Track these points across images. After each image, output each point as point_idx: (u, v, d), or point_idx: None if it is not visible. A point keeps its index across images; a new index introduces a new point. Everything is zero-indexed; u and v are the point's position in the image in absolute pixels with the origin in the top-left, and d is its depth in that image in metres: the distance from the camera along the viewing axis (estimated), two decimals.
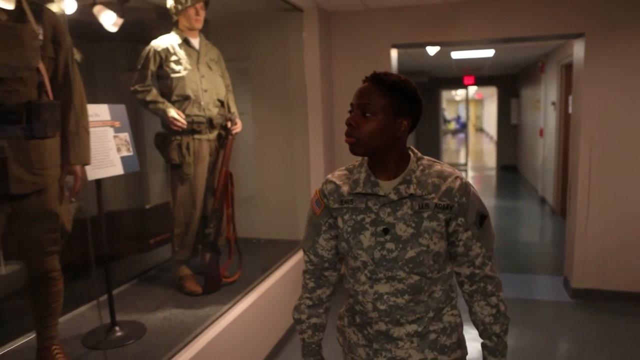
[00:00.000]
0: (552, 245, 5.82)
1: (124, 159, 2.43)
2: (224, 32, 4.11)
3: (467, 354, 1.43)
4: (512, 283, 4.44)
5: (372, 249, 1.29)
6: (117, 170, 2.38)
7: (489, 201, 8.66)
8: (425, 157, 1.35)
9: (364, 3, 3.98)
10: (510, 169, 11.67)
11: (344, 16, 4.24)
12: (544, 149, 7.83)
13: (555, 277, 4.60)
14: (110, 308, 2.56)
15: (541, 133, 8.00)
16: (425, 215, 1.27)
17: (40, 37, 1.82)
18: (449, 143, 21.23)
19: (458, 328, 1.40)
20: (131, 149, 2.50)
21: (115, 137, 2.41)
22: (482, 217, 1.32)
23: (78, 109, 1.99)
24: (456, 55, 7.26)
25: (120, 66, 3.92)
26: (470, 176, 11.90)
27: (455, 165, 13.59)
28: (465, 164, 13.10)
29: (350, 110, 1.29)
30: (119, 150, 2.40)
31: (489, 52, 7.00)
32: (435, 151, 12.35)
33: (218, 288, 3.09)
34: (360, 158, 1.36)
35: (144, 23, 3.85)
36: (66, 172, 2.01)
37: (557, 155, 6.76)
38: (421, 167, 1.31)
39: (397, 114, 1.25)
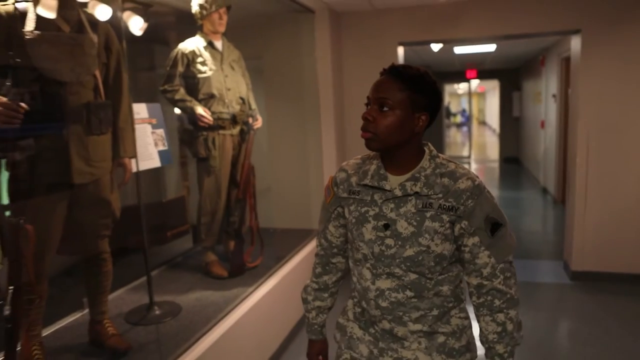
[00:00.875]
0: (553, 232, 6.07)
1: (160, 153, 2.69)
2: (239, 33, 4.33)
3: (476, 357, 1.37)
4: (517, 267, 4.69)
5: (372, 243, 1.27)
6: (156, 163, 2.64)
7: (493, 192, 8.88)
8: (441, 155, 1.31)
9: (372, 4, 4.20)
10: (513, 161, 11.88)
11: (353, 16, 4.48)
12: (545, 141, 8.06)
13: (556, 261, 4.85)
14: (149, 289, 2.81)
15: (542, 125, 8.22)
16: (428, 215, 1.23)
17: (96, 45, 2.07)
18: (455, 136, 21.43)
19: (467, 330, 1.35)
20: (166, 144, 2.76)
21: (152, 132, 2.66)
22: (495, 225, 1.25)
23: (125, 108, 2.24)
24: (459, 50, 7.48)
25: (140, 66, 4.16)
26: (473, 168, 12.11)
27: (459, 158, 13.82)
28: (469, 157, 13.32)
29: (367, 103, 1.25)
30: (156, 144, 2.65)
31: (491, 47, 7.21)
32: (438, 144, 12.59)
33: (242, 272, 3.34)
34: None
35: (163, 25, 4.10)
36: (116, 165, 2.26)
37: (557, 146, 6.99)
38: (433, 166, 1.26)
39: (415, 109, 1.22)
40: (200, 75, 3.13)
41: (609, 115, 4.00)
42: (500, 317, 1.27)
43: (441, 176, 1.25)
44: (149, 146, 2.60)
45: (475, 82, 17.17)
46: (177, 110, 3.34)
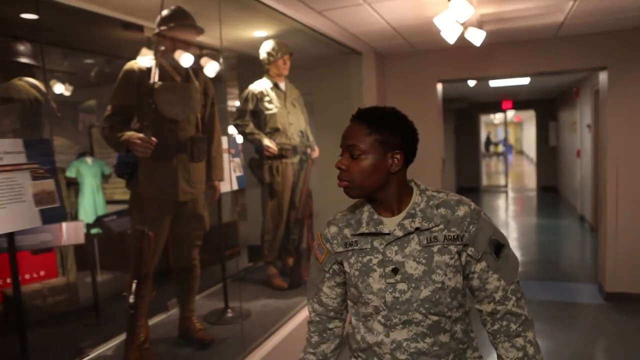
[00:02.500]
0: (590, 257, 6.26)
1: (238, 178, 3.18)
2: (294, 72, 4.89)
3: None
4: (554, 289, 4.96)
5: (382, 292, 1.20)
6: (234, 186, 3.13)
7: (531, 220, 9.11)
8: (429, 188, 1.29)
9: (413, 46, 4.69)
10: (551, 190, 12.00)
11: (396, 57, 4.97)
12: (581, 169, 8.26)
13: (592, 284, 5.07)
14: (225, 295, 3.28)
15: (578, 154, 8.44)
16: (435, 249, 1.20)
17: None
18: (495, 166, 21.46)
19: None
20: (242, 170, 3.26)
21: (231, 161, 3.16)
22: (499, 246, 1.23)
23: (217, 141, 2.75)
24: (494, 83, 7.87)
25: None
26: (510, 197, 12.28)
27: (495, 187, 13.98)
28: (505, 186, 13.48)
29: (341, 153, 1.25)
30: (234, 171, 3.15)
31: (525, 80, 7.57)
32: (474, 174, 12.84)
33: (300, 284, 3.77)
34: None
35: (231, 67, 4.69)
36: (209, 187, 2.76)
37: (593, 175, 7.21)
38: (425, 199, 1.24)
39: (387, 149, 1.20)
40: (267, 112, 3.65)
41: (636, 145, 4.31)
42: (520, 341, 1.23)
43: (437, 207, 1.23)
44: (229, 172, 3.10)
45: (511, 113, 17.37)
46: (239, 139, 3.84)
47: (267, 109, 3.66)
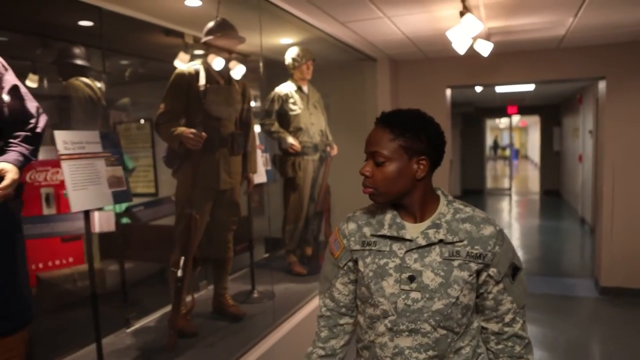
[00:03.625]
0: (588, 256, 6.58)
1: (267, 172, 3.53)
2: (313, 75, 5.23)
3: None
4: (553, 284, 5.30)
5: (395, 297, 1.19)
6: (264, 179, 3.48)
7: (533, 222, 9.42)
8: (456, 200, 1.27)
9: (425, 53, 5.02)
10: (554, 194, 12.28)
11: (408, 64, 5.31)
12: (582, 173, 8.57)
13: (588, 279, 5.40)
14: (252, 279, 3.63)
15: (580, 159, 8.74)
16: (456, 264, 1.18)
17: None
18: (502, 169, 21.73)
19: None
20: (270, 165, 3.60)
21: (262, 156, 3.51)
22: (516, 269, 1.23)
23: (252, 137, 3.10)
24: (500, 89, 8.19)
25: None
26: (514, 200, 12.58)
27: (500, 190, 14.28)
28: (509, 189, 13.78)
29: (365, 158, 1.23)
30: (264, 165, 3.50)
31: (530, 87, 7.88)
32: (479, 177, 13.13)
33: (318, 271, 4.11)
34: None
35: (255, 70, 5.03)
36: (244, 178, 3.11)
37: (593, 179, 7.51)
38: (452, 211, 1.22)
39: (412, 155, 1.18)
40: (291, 113, 3.99)
41: (631, 150, 4.63)
42: None
43: (462, 222, 1.21)
44: (260, 167, 3.44)
45: (516, 117, 17.64)
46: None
47: (292, 110, 3.99)
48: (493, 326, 1.25)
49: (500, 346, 1.26)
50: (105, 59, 4.79)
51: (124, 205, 5.36)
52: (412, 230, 1.21)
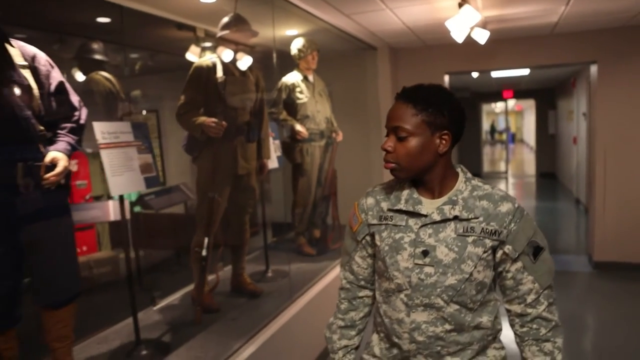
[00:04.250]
0: (582, 234, 6.84)
1: (278, 158, 3.74)
2: (317, 65, 5.42)
3: None
4: None
5: (409, 272, 1.21)
6: (276, 164, 3.69)
7: (530, 203, 9.67)
8: (476, 177, 1.27)
9: (423, 41, 5.20)
10: (549, 176, 12.53)
11: (408, 51, 5.49)
12: (577, 155, 8.80)
13: (582, 255, 5.65)
14: (266, 259, 3.85)
15: (575, 141, 8.97)
16: (470, 240, 1.18)
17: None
18: (500, 153, 21.96)
19: None
20: (279, 152, 3.80)
21: (273, 143, 3.71)
22: (537, 249, 1.22)
23: (266, 125, 3.30)
24: (495, 74, 8.37)
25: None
26: (510, 183, 12.83)
27: (496, 173, 14.53)
28: (506, 172, 14.01)
29: (386, 134, 1.23)
30: (275, 151, 3.70)
31: (525, 71, 8.07)
32: (475, 160, 13.36)
33: (326, 252, 4.33)
34: None
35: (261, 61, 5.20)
36: (259, 164, 3.31)
37: (587, 160, 7.74)
38: (470, 188, 1.23)
39: (434, 130, 1.18)
40: (298, 101, 4.18)
41: (621, 131, 4.85)
42: (548, 346, 1.23)
43: (479, 199, 1.21)
44: (272, 153, 3.65)
45: (512, 102, 17.83)
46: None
47: (299, 99, 4.19)
48: (516, 307, 1.25)
49: (524, 329, 1.25)
50: (118, 52, 4.97)
51: (133, 195, 5.58)
52: (428, 205, 1.23)
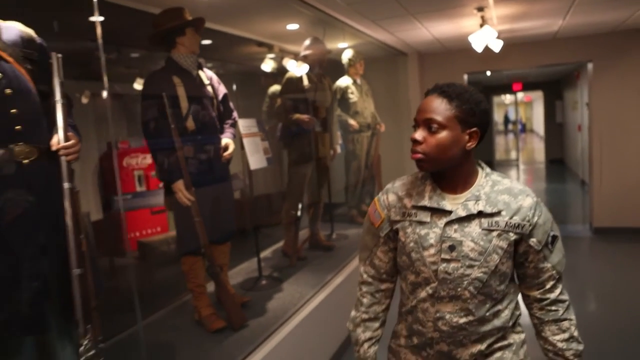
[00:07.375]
0: (586, 210, 7.83)
1: (340, 145, 4.81)
2: None
3: None
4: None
5: (435, 266, 1.24)
6: (339, 150, 4.75)
7: (539, 185, 10.64)
8: (494, 172, 1.30)
9: (446, 48, 6.22)
10: (558, 162, 13.36)
11: (432, 55, 6.52)
12: (581, 141, 9.73)
13: (584, 224, 6.66)
14: (331, 224, 4.90)
15: (579, 128, 9.89)
16: (495, 234, 1.22)
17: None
18: (512, 143, 22.74)
19: (524, 345, 1.34)
20: (342, 140, 4.87)
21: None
22: (554, 237, 1.27)
23: (331, 120, 4.36)
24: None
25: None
26: (521, 169, 13.75)
27: (508, 161, 15.42)
28: (517, 160, 14.89)
29: (414, 125, 1.25)
30: (337, 141, 4.77)
31: None
32: (488, 148, 14.24)
33: None
34: None
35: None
36: (330, 149, 4.37)
37: (589, 145, 8.68)
38: (490, 183, 1.26)
39: (465, 126, 1.21)
40: (350, 101, 5.22)
41: (615, 119, 5.87)
42: (565, 324, 1.30)
43: (500, 193, 1.24)
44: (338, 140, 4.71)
45: (521, 93, 18.60)
46: None
47: (350, 99, 5.23)
48: (535, 293, 1.30)
49: (543, 311, 1.31)
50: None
51: None
52: (452, 201, 1.26)
